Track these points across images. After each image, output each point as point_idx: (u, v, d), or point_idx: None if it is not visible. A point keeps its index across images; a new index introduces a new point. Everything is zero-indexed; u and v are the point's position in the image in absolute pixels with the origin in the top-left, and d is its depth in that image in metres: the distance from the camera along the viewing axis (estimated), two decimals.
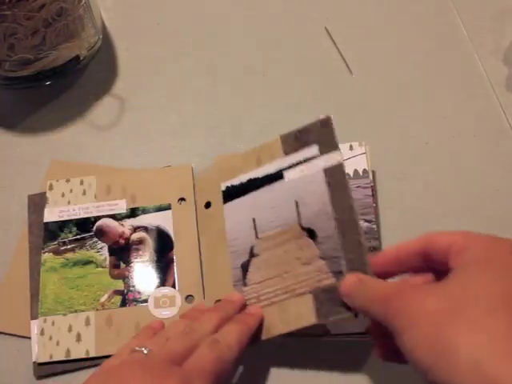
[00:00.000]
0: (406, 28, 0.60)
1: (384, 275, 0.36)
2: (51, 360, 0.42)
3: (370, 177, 0.46)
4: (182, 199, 0.48)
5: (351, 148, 0.47)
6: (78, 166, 0.51)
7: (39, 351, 0.42)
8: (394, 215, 0.48)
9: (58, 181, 0.49)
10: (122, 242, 0.47)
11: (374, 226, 0.44)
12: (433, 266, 0.33)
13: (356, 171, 0.46)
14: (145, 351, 0.35)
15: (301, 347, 0.42)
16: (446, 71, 0.57)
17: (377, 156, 0.50)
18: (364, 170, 0.46)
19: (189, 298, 0.44)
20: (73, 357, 0.42)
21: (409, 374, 0.41)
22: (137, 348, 0.35)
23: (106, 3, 0.62)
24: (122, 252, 0.46)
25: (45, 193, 0.49)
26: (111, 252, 0.46)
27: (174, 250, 0.46)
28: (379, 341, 0.35)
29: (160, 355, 0.34)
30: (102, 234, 0.47)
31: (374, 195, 0.46)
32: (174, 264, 0.45)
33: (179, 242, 0.46)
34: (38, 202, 0.49)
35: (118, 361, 0.35)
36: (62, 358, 0.42)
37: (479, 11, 0.61)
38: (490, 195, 0.49)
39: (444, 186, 0.50)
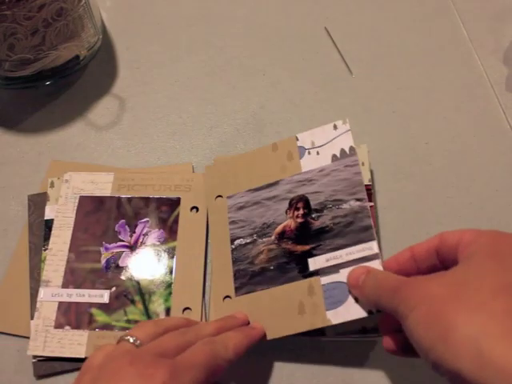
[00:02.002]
0: (406, 28, 0.60)
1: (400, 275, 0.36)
2: (45, 354, 0.42)
3: (358, 155, 0.45)
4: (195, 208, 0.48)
5: (335, 127, 0.47)
6: (78, 166, 0.51)
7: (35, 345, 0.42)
8: (393, 215, 0.48)
9: (59, 178, 0.49)
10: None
11: (366, 204, 0.42)
12: (446, 263, 0.34)
13: (343, 150, 0.45)
14: (131, 340, 0.34)
15: (301, 346, 0.42)
16: (446, 71, 0.57)
17: (377, 156, 0.50)
18: (350, 147, 0.45)
19: (186, 310, 0.44)
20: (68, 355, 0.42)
21: (409, 374, 0.41)
22: (124, 337, 0.35)
23: (106, 3, 0.62)
24: None
25: (45, 193, 0.49)
26: None
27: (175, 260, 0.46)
28: (388, 334, 0.36)
29: (149, 347, 0.34)
30: None
31: (372, 194, 0.46)
32: (173, 276, 0.45)
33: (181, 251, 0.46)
34: (38, 202, 0.49)
35: (103, 353, 0.34)
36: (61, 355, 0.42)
37: (479, 11, 0.61)
38: (490, 195, 0.49)
39: (444, 186, 0.50)
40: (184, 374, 0.32)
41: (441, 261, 0.35)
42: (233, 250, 0.45)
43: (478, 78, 0.56)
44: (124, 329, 0.43)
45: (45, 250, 0.46)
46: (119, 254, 0.46)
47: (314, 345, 0.42)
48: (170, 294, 0.44)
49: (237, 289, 0.43)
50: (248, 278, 0.43)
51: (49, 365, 0.42)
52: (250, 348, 0.38)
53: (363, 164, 0.47)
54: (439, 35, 0.59)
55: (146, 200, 0.48)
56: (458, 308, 0.28)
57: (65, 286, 0.44)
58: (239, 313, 0.41)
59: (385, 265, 0.38)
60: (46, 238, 0.46)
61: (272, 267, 0.43)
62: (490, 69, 0.56)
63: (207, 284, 0.45)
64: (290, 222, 0.44)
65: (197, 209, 0.47)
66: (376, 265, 0.38)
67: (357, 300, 0.38)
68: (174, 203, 0.48)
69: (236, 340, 0.37)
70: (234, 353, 0.36)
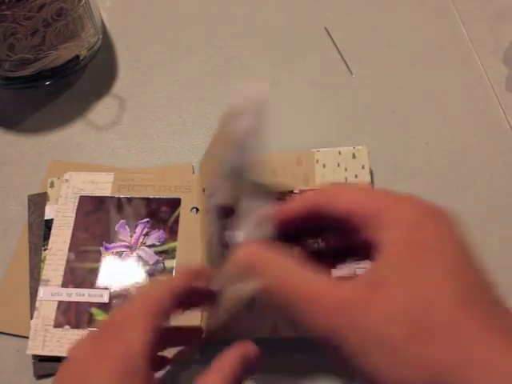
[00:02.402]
0: (405, 28, 0.60)
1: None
2: (44, 353, 0.42)
3: (357, 158, 0.46)
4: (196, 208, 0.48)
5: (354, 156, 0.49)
6: (78, 166, 0.51)
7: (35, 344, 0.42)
8: None
9: (59, 178, 0.49)
10: None
11: None
12: (323, 224, 0.30)
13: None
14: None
15: (302, 348, 0.42)
16: (446, 71, 0.57)
17: (377, 156, 0.50)
18: None
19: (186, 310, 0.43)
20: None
21: None
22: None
23: (106, 3, 0.62)
24: None
25: (45, 193, 0.49)
26: None
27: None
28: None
29: None
30: None
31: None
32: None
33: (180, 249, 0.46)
34: (38, 202, 0.49)
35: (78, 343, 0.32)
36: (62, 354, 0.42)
37: (479, 11, 0.61)
38: (490, 195, 0.49)
39: (444, 185, 0.50)
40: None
41: (319, 220, 0.30)
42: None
43: (478, 78, 0.56)
44: None
45: (45, 249, 0.46)
46: (119, 254, 0.46)
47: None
48: None
49: None
50: None
51: (49, 365, 0.42)
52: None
53: (363, 167, 0.47)
54: (439, 35, 0.59)
55: (147, 200, 0.48)
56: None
57: (64, 285, 0.44)
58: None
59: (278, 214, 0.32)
60: (46, 237, 0.46)
61: None
62: (490, 69, 0.56)
63: None
64: None
65: (197, 209, 0.47)
66: None
67: None
68: (175, 204, 0.48)
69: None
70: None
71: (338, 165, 0.48)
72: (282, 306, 0.27)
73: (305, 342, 0.39)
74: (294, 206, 0.31)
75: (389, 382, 0.25)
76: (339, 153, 0.49)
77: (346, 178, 0.48)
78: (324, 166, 0.48)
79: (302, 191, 0.47)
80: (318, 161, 0.49)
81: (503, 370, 0.23)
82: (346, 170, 0.48)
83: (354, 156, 0.49)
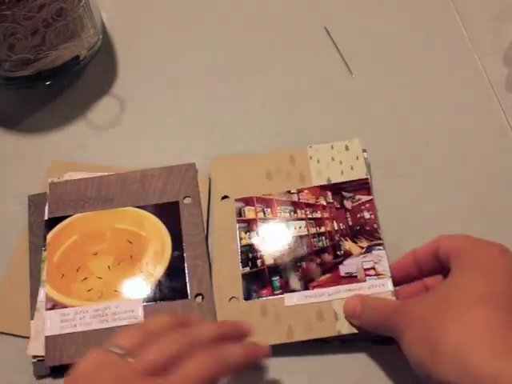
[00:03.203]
0: (405, 28, 0.60)
1: (405, 279, 0.40)
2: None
3: (351, 150, 0.49)
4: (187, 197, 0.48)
5: (347, 148, 0.49)
6: (77, 166, 0.51)
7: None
8: (393, 215, 0.48)
9: (59, 178, 0.49)
10: None
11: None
12: (444, 266, 0.36)
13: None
14: (116, 350, 0.31)
15: (305, 351, 0.42)
16: (446, 71, 0.57)
17: (377, 156, 0.50)
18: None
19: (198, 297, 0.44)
20: None
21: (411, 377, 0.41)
22: (111, 348, 0.31)
23: (106, 3, 0.62)
24: None
25: (45, 193, 0.49)
26: None
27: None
28: None
29: (136, 363, 0.30)
30: None
31: (370, 187, 0.47)
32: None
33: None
34: (38, 202, 0.49)
35: (89, 361, 0.31)
36: None
37: (479, 11, 0.61)
38: (490, 195, 0.49)
39: (444, 186, 0.50)
40: None
41: (440, 264, 0.37)
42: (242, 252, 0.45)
43: (478, 78, 0.56)
44: None
45: (45, 250, 0.46)
46: None
47: (318, 350, 0.42)
48: None
49: (246, 291, 0.43)
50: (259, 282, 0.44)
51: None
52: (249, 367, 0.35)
53: (357, 158, 0.48)
54: (439, 35, 0.59)
55: None
56: (439, 325, 0.31)
57: None
58: (244, 322, 0.37)
59: (393, 266, 0.41)
60: (46, 237, 0.46)
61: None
62: (490, 69, 0.56)
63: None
64: None
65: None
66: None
67: None
68: None
69: (240, 357, 0.33)
70: (234, 370, 0.33)
71: (332, 159, 0.48)
72: (377, 328, 0.37)
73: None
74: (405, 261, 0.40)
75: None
76: (332, 147, 0.49)
77: (342, 171, 0.48)
78: (318, 161, 0.49)
79: (299, 190, 0.47)
80: (311, 157, 0.49)
81: None
82: (340, 162, 0.48)
83: (346, 148, 0.49)
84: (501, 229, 0.47)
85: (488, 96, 0.55)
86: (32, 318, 0.43)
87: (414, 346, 0.32)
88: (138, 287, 0.44)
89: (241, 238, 0.46)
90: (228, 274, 0.44)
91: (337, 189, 0.47)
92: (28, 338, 0.43)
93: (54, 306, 0.43)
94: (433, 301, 0.33)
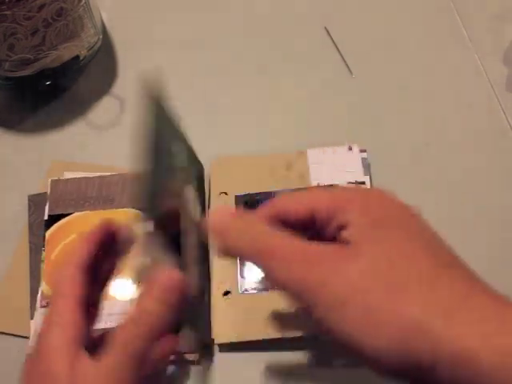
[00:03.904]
0: (405, 28, 0.60)
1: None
2: None
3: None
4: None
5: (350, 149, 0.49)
6: (77, 166, 0.51)
7: None
8: None
9: (59, 178, 0.49)
10: None
11: None
12: (315, 226, 0.30)
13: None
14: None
15: (298, 347, 0.42)
16: (446, 71, 0.57)
17: (377, 156, 0.50)
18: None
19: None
20: None
21: None
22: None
23: (106, 3, 0.62)
24: None
25: (45, 193, 0.49)
26: None
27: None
28: None
29: None
30: None
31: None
32: None
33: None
34: (38, 202, 0.49)
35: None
36: None
37: (479, 11, 0.61)
38: (490, 195, 0.49)
39: (444, 186, 0.50)
40: None
41: (311, 223, 0.30)
42: None
43: (478, 78, 0.56)
44: None
45: (45, 249, 0.46)
46: None
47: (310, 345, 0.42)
48: None
49: (242, 285, 0.43)
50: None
51: None
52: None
53: (357, 163, 0.48)
54: (439, 35, 0.59)
55: None
56: (393, 298, 0.25)
57: None
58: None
59: (257, 213, 0.31)
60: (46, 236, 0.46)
61: None
62: (490, 69, 0.56)
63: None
64: None
65: None
66: None
67: None
68: None
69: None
70: None
71: (332, 160, 0.49)
72: (258, 264, 0.28)
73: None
74: (259, 216, 0.31)
75: (362, 343, 0.25)
76: (331, 149, 0.49)
77: (341, 172, 0.48)
78: (318, 163, 0.49)
79: (297, 189, 0.47)
80: (310, 159, 0.49)
81: (484, 316, 0.24)
82: (340, 164, 0.48)
83: (347, 153, 0.49)
84: (501, 229, 0.47)
85: (488, 96, 0.55)
86: (32, 318, 0.43)
87: (355, 324, 0.25)
88: (135, 288, 0.44)
89: None
90: (225, 270, 0.44)
91: None
92: (28, 338, 0.43)
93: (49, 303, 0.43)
94: (370, 271, 0.26)
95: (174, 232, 0.37)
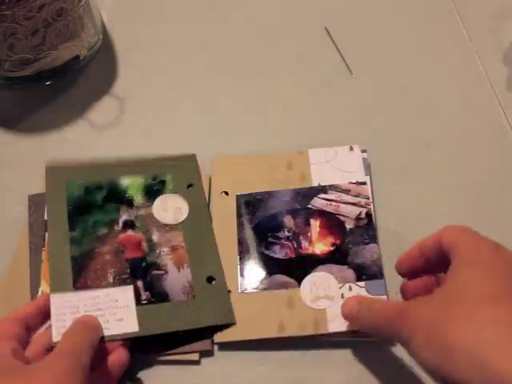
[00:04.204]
0: (406, 28, 0.60)
1: (412, 272, 0.39)
2: None
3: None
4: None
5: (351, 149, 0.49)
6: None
7: None
8: (393, 215, 0.48)
9: None
10: None
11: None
12: (447, 257, 0.35)
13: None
14: None
15: (296, 346, 0.42)
16: (446, 71, 0.57)
17: (377, 156, 0.50)
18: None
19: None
20: None
21: (409, 374, 0.41)
22: None
23: (106, 3, 0.62)
24: None
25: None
26: None
27: None
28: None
29: None
30: None
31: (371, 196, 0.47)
32: None
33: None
34: (38, 202, 0.49)
35: None
36: None
37: (479, 11, 0.61)
38: (491, 195, 0.49)
39: (444, 186, 0.50)
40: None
41: (444, 256, 0.35)
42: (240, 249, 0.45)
43: (478, 77, 0.56)
44: None
45: (45, 249, 0.46)
46: None
47: (308, 344, 0.42)
48: None
49: (242, 285, 0.44)
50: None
51: None
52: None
53: (357, 160, 0.48)
54: (439, 35, 0.59)
55: None
56: (450, 326, 0.30)
57: None
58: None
59: (398, 263, 0.40)
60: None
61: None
62: (490, 69, 0.56)
63: None
64: None
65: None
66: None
67: None
68: None
69: None
70: None
71: (332, 161, 0.49)
72: (380, 332, 0.36)
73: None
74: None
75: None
76: (331, 149, 0.49)
77: (341, 173, 0.48)
78: (318, 164, 0.49)
79: (298, 189, 0.47)
80: (311, 160, 0.49)
81: None
82: (341, 167, 0.48)
83: (348, 153, 0.49)
84: (501, 229, 0.47)
85: (488, 96, 0.55)
86: None
87: (424, 350, 0.31)
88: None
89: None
90: (225, 269, 0.45)
91: (336, 190, 0.47)
92: None
93: None
94: (438, 302, 0.32)
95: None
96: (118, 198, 0.47)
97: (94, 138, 0.54)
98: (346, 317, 0.40)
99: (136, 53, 0.59)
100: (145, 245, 0.45)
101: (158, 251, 0.45)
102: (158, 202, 0.47)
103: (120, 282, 0.43)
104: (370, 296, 0.41)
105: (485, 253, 0.33)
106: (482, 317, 0.29)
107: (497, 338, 0.28)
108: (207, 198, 0.48)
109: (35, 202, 0.49)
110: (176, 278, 0.43)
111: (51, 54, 0.51)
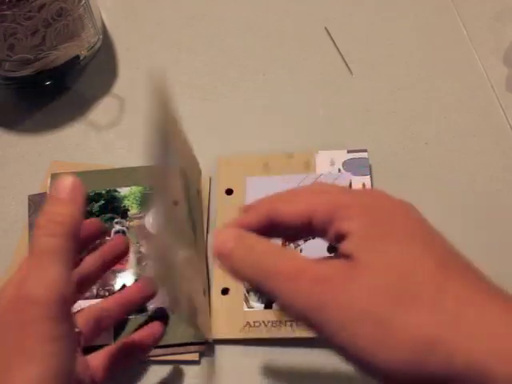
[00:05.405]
0: (406, 28, 0.60)
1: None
2: None
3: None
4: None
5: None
6: (77, 166, 0.51)
7: None
8: None
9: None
10: None
11: None
12: (314, 233, 0.30)
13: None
14: None
15: (293, 348, 0.42)
16: (446, 71, 0.57)
17: (377, 156, 0.50)
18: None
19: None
20: None
21: None
22: None
23: (106, 3, 0.62)
24: None
25: (45, 193, 0.49)
26: None
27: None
28: None
29: None
30: None
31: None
32: None
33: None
34: (38, 202, 0.49)
35: None
36: None
37: (479, 11, 0.61)
38: (490, 195, 0.49)
39: (444, 185, 0.50)
40: None
41: (310, 230, 0.29)
42: None
43: (478, 78, 0.56)
44: None
45: None
46: None
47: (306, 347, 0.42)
48: None
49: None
50: None
51: None
52: None
53: (363, 168, 0.48)
54: (439, 35, 0.59)
55: None
56: (406, 318, 0.24)
57: None
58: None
59: (239, 221, 0.30)
60: None
61: None
62: (490, 69, 0.56)
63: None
64: None
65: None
66: None
67: None
68: None
69: None
70: None
71: (333, 163, 0.49)
72: (263, 286, 0.27)
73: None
74: (249, 221, 0.30)
75: (375, 360, 0.24)
76: (334, 152, 0.49)
77: (341, 176, 0.48)
78: (318, 164, 0.49)
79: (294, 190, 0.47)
80: (311, 160, 0.49)
81: (494, 324, 0.24)
82: (340, 165, 0.48)
83: (348, 153, 0.49)
84: (501, 229, 0.47)
85: (488, 96, 0.55)
86: None
87: (366, 341, 0.24)
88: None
89: None
90: None
91: None
92: None
93: None
94: (378, 284, 0.25)
95: None
96: (114, 207, 0.47)
97: (94, 138, 0.54)
98: (217, 253, 0.29)
99: (136, 53, 0.59)
100: (131, 256, 0.45)
101: (143, 263, 0.45)
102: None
103: (103, 293, 0.43)
104: None
105: (385, 218, 0.28)
106: (442, 303, 0.24)
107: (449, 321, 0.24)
108: (207, 201, 0.48)
109: (35, 202, 0.49)
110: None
111: (51, 54, 0.51)
